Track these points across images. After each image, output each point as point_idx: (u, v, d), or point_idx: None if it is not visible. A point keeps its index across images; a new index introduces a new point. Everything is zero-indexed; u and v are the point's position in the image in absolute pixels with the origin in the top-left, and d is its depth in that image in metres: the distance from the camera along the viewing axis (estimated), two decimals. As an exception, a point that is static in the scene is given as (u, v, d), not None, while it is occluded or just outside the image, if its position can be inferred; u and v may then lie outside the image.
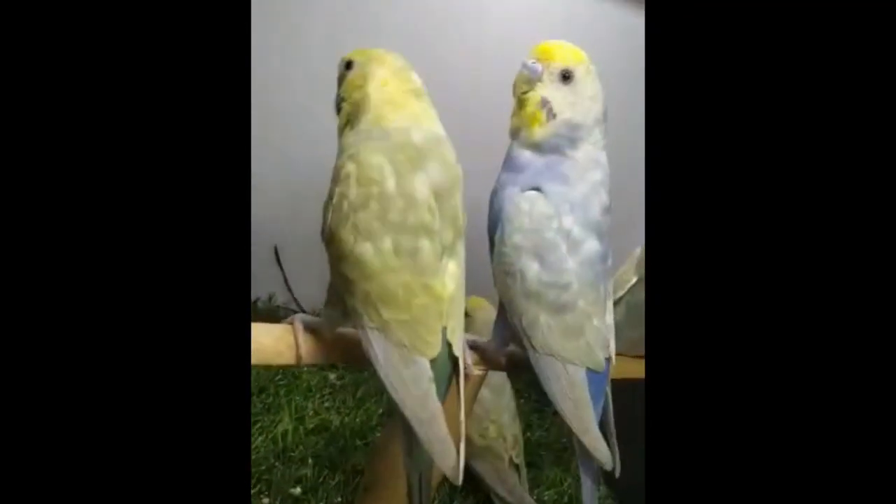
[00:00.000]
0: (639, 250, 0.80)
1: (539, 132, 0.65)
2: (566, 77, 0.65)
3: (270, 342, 0.61)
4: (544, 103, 0.65)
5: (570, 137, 0.65)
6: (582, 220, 0.65)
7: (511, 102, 0.69)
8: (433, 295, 0.59)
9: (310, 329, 0.63)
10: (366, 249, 0.57)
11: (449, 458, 0.57)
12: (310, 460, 1.08)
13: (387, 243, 0.57)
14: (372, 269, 0.57)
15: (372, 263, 0.57)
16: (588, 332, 0.67)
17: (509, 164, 0.68)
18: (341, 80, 0.67)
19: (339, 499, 1.03)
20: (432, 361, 0.59)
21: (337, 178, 0.60)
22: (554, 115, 0.65)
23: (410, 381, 0.58)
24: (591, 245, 0.66)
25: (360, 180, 0.57)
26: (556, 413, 1.10)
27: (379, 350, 0.58)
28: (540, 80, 0.66)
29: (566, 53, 0.66)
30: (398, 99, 0.62)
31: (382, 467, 0.88)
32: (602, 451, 0.66)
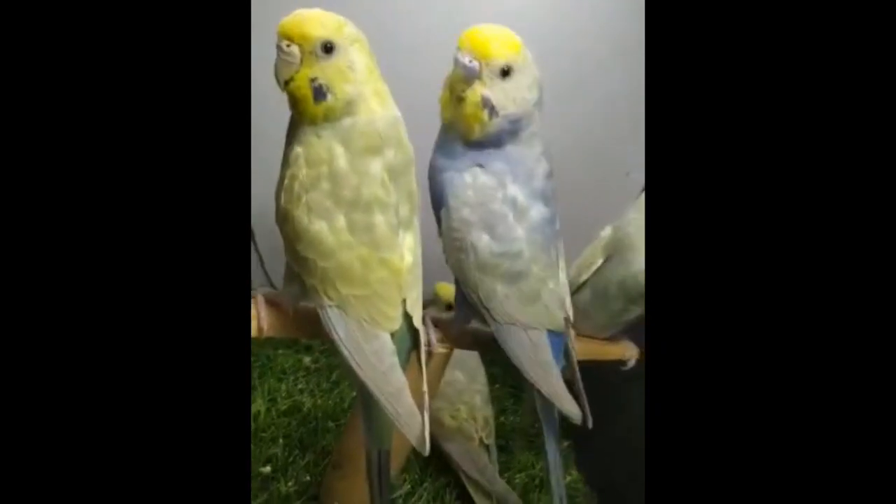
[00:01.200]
0: (607, 230, 0.80)
1: (480, 130, 0.62)
2: (506, 73, 0.60)
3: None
4: (485, 103, 0.60)
5: (511, 130, 0.63)
6: (526, 188, 0.65)
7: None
8: (391, 268, 0.59)
9: (271, 302, 0.63)
10: (321, 228, 0.56)
11: (415, 429, 0.58)
12: (281, 440, 1.08)
13: (340, 220, 0.56)
14: (328, 247, 0.56)
15: (327, 241, 0.56)
16: (545, 296, 0.67)
17: (446, 150, 0.65)
18: (301, 58, 0.55)
19: (308, 478, 1.02)
20: (393, 335, 0.59)
21: (286, 161, 0.58)
22: (497, 114, 0.61)
23: (373, 357, 0.58)
24: (538, 210, 0.66)
25: (309, 161, 0.56)
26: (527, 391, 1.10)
27: (339, 327, 0.58)
28: (478, 78, 0.60)
29: (504, 47, 0.59)
30: (381, 89, 0.58)
31: (351, 445, 0.88)
32: (571, 408, 0.69)
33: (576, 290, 0.80)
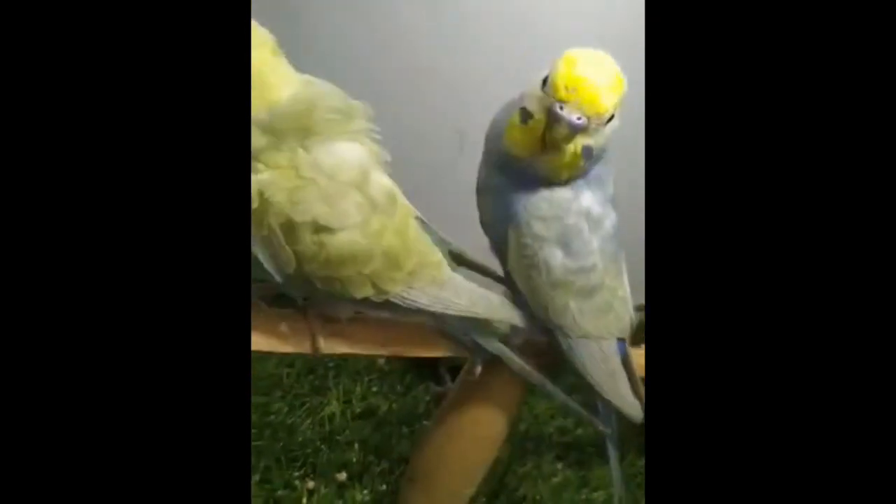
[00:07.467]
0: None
1: (571, 174, 0.60)
2: (610, 119, 0.56)
3: (285, 330, 0.60)
4: (587, 152, 0.57)
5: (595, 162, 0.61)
6: (600, 194, 0.63)
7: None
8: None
9: (326, 316, 0.61)
10: (344, 237, 0.54)
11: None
12: (356, 445, 1.08)
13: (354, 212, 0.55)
14: (361, 247, 0.55)
15: (358, 243, 0.55)
16: (616, 305, 0.67)
17: (509, 172, 0.62)
18: None
19: (384, 487, 1.02)
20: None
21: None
22: (595, 157, 0.59)
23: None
24: (611, 219, 0.64)
25: (275, 185, 0.51)
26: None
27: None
28: (583, 130, 0.55)
29: (614, 95, 0.54)
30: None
31: (426, 459, 0.86)
32: (634, 411, 0.69)
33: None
